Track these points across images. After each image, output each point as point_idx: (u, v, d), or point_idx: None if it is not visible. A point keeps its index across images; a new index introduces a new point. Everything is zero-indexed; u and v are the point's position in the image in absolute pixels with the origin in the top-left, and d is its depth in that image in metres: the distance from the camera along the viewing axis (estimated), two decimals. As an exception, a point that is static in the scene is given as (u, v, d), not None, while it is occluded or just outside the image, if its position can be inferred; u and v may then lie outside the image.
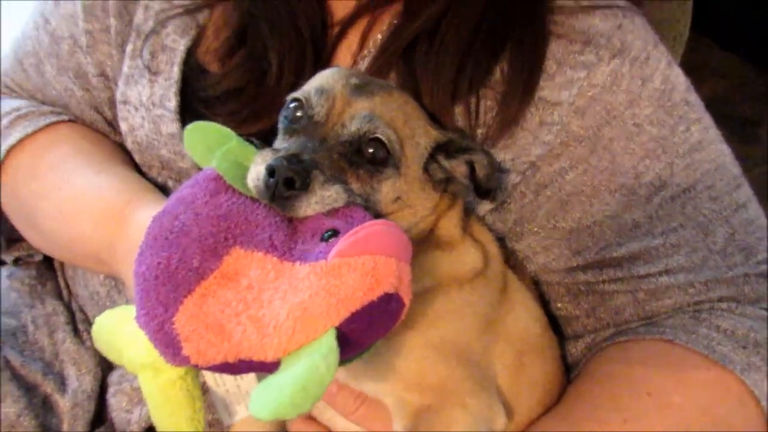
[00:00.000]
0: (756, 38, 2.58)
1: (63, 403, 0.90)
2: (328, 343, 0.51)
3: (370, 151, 0.67)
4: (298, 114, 0.69)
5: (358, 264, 0.53)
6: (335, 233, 0.58)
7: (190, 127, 0.70)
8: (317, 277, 0.54)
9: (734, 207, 0.83)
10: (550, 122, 0.81)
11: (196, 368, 0.59)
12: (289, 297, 0.53)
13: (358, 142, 0.67)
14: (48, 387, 0.91)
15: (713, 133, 0.85)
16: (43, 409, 0.90)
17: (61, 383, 0.92)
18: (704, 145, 0.83)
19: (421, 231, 0.73)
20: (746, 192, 0.85)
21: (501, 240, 0.84)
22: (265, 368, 0.54)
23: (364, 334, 0.54)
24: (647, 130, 0.81)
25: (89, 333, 0.97)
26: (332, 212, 0.62)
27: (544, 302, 0.88)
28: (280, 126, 0.72)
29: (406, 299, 0.56)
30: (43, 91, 1.00)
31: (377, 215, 0.67)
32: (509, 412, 0.73)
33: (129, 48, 0.92)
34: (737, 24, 2.60)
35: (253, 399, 0.50)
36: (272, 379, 0.51)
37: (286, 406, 0.48)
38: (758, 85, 2.58)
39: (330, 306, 0.52)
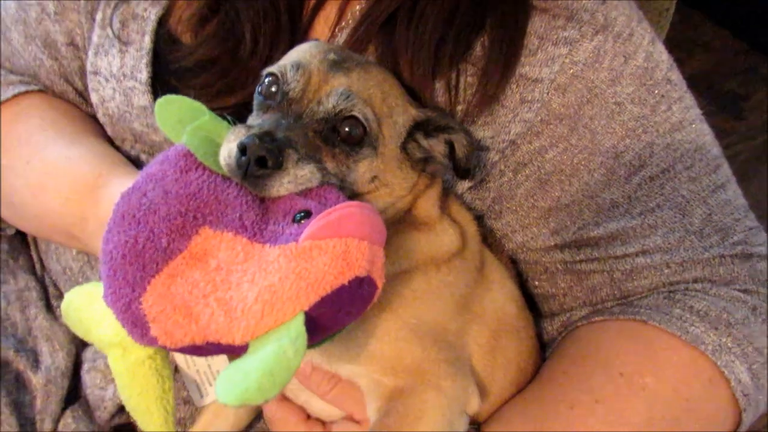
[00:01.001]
0: (745, 13, 2.57)
1: (36, 380, 0.89)
2: (296, 328, 0.50)
3: (347, 129, 0.66)
4: (273, 89, 0.68)
5: (329, 247, 0.52)
6: (308, 214, 0.57)
7: (161, 100, 0.68)
8: (287, 259, 0.52)
9: (712, 188, 0.83)
10: (531, 99, 0.80)
11: (165, 349, 0.59)
12: (258, 280, 0.52)
13: (334, 120, 0.65)
14: (20, 364, 0.89)
15: (694, 112, 0.84)
16: (15, 385, 0.88)
17: (34, 360, 0.91)
18: (684, 125, 0.83)
19: (398, 211, 0.72)
20: (725, 172, 0.85)
21: (479, 218, 0.83)
22: (233, 351, 0.54)
23: (334, 317, 0.53)
24: (628, 108, 0.80)
25: (62, 309, 0.96)
26: (306, 192, 0.61)
27: (521, 280, 0.88)
28: (255, 102, 0.70)
29: (379, 282, 0.55)
30: (11, 60, 0.97)
31: (353, 195, 0.66)
32: (483, 393, 0.73)
33: (98, 16, 0.88)
34: (728, -1, 2.59)
35: (219, 384, 0.49)
36: (239, 364, 0.51)
37: (253, 392, 0.47)
38: (746, 60, 2.58)
39: (299, 290, 0.51)
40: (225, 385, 0.48)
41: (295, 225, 0.56)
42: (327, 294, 0.52)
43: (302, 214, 0.57)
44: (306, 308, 0.51)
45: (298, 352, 0.49)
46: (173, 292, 0.54)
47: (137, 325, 0.56)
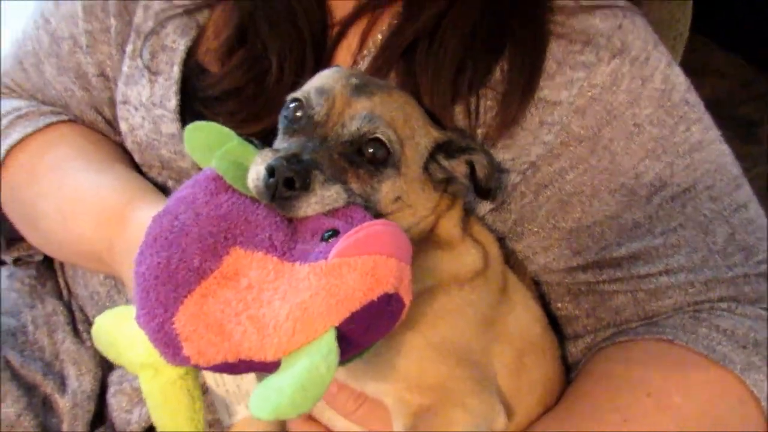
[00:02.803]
0: (756, 38, 2.58)
1: (63, 403, 0.90)
2: (328, 344, 0.51)
3: (370, 151, 0.67)
4: (298, 114, 0.69)
5: (357, 264, 0.53)
6: (335, 233, 0.58)
7: (190, 127, 0.70)
8: (317, 277, 0.53)
9: (734, 207, 0.83)
10: (550, 122, 0.81)
11: (197, 368, 0.59)
12: (289, 297, 0.53)
13: (359, 142, 0.67)
14: (48, 387, 0.91)
15: (713, 133, 0.85)
16: (42, 409, 0.89)
17: (61, 383, 0.92)
18: (704, 145, 0.83)
19: (421, 231, 0.73)
20: (746, 192, 0.85)
21: (501, 240, 0.84)
22: (265, 368, 0.54)
23: (363, 334, 0.54)
24: (647, 130, 0.81)
25: (89, 333, 0.97)
26: (332, 212, 0.62)
27: (544, 302, 0.88)
28: (280, 126, 0.72)
29: (407, 299, 0.56)
30: (43, 91, 1.00)
31: (377, 215, 0.67)
32: (509, 412, 0.73)
33: (129, 48, 0.92)
34: (738, 24, 2.60)
35: (253, 399, 0.49)
36: (272, 380, 0.51)
37: (286, 407, 0.48)
38: (759, 86, 2.58)
39: (330, 306, 0.52)
40: (259, 400, 0.49)
41: (324, 243, 0.57)
42: (357, 310, 0.52)
43: (330, 232, 0.58)
44: (336, 324, 0.52)
45: (330, 367, 0.49)
46: (206, 312, 0.55)
47: (170, 345, 0.56)
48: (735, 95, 2.49)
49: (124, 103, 0.92)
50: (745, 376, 0.74)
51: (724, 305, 0.80)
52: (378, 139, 0.67)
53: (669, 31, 1.14)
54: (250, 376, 0.71)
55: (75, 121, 0.98)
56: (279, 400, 0.48)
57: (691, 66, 0.93)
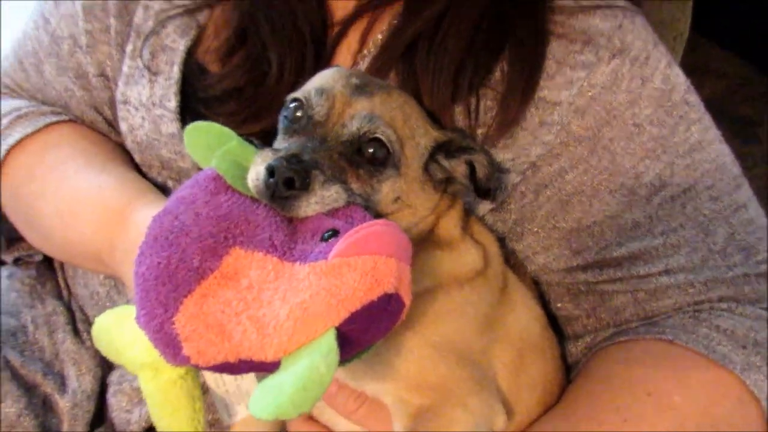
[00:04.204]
0: (756, 38, 2.58)
1: (63, 403, 0.90)
2: (328, 343, 0.51)
3: (370, 151, 0.67)
4: (298, 114, 0.69)
5: (358, 264, 0.53)
6: (335, 233, 0.58)
7: (190, 127, 0.70)
8: (317, 277, 0.53)
9: (734, 207, 0.83)
10: (550, 122, 0.81)
11: (197, 368, 0.59)
12: (289, 297, 0.53)
13: (359, 142, 0.67)
14: (48, 387, 0.91)
15: (713, 133, 0.85)
16: (42, 409, 0.90)
17: (61, 383, 0.92)
18: (704, 145, 0.83)
19: (421, 231, 0.73)
20: (746, 192, 0.85)
21: (501, 240, 0.84)
22: (265, 368, 0.54)
23: (363, 334, 0.54)
24: (647, 130, 0.81)
25: (89, 333, 0.97)
26: (332, 212, 0.62)
27: (544, 302, 0.88)
28: (280, 126, 0.72)
29: (407, 299, 0.56)
30: (43, 91, 1.00)
31: (377, 215, 0.67)
32: (509, 412, 0.73)
33: (129, 48, 0.91)
34: (737, 24, 2.60)
35: (253, 399, 0.49)
36: (272, 379, 0.51)
37: (287, 406, 0.48)
38: (758, 85, 2.58)
39: (330, 306, 0.52)
40: (259, 400, 0.49)
41: (324, 243, 0.57)
42: (357, 310, 0.52)
43: (330, 232, 0.58)
44: (337, 324, 0.52)
45: (330, 367, 0.49)
46: (206, 312, 0.55)
47: (170, 345, 0.56)
48: (734, 95, 2.49)
49: (124, 103, 0.91)
50: (744, 376, 0.74)
51: (724, 305, 0.80)
52: (378, 139, 0.67)
53: (669, 31, 1.14)
54: (250, 376, 0.71)
55: (75, 121, 0.98)
56: (279, 399, 0.48)
57: (691, 66, 0.93)
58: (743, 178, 0.85)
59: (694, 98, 0.85)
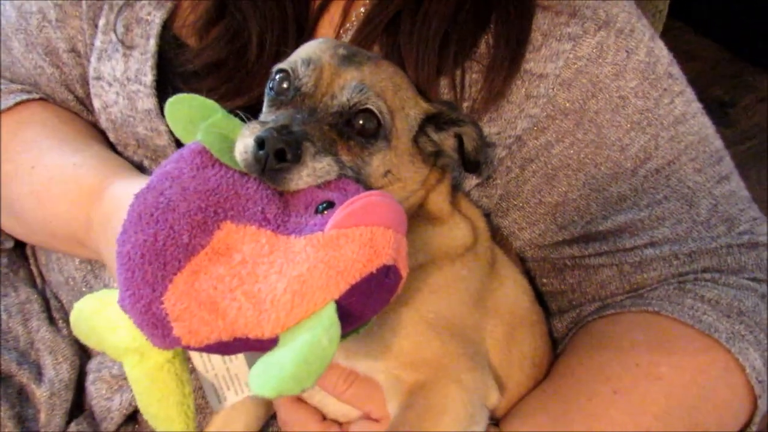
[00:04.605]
0: (729, 22, 2.63)
1: (39, 393, 0.87)
2: (329, 317, 0.49)
3: (361, 122, 0.65)
4: (284, 85, 0.67)
5: (356, 235, 0.52)
6: (330, 205, 0.56)
7: (172, 99, 0.67)
8: (314, 249, 0.52)
9: (717, 178, 0.84)
10: (536, 95, 0.80)
11: (188, 349, 0.57)
12: (286, 270, 0.52)
13: (349, 113, 0.65)
14: (23, 377, 0.88)
15: (695, 106, 0.86)
16: (18, 399, 0.86)
17: (38, 373, 0.89)
18: (687, 118, 0.84)
19: (412, 205, 0.72)
20: (728, 164, 0.86)
21: (486, 216, 0.83)
22: (261, 346, 0.53)
23: (363, 306, 0.52)
24: (632, 102, 0.81)
25: (65, 321, 0.94)
26: (324, 185, 0.60)
27: (529, 278, 0.88)
28: (266, 98, 0.70)
29: (404, 271, 0.55)
30: (11, 69, 0.96)
31: (367, 189, 0.66)
32: (501, 387, 0.72)
33: (101, 22, 0.88)
34: (711, 8, 2.65)
35: (254, 377, 0.48)
36: (272, 356, 0.50)
37: (289, 382, 0.46)
38: (731, 68, 2.64)
39: (329, 278, 0.50)
40: (260, 377, 0.47)
41: (319, 216, 0.56)
42: (356, 282, 0.51)
43: (325, 204, 0.56)
44: (336, 297, 0.51)
45: (332, 340, 0.48)
46: (197, 289, 0.53)
47: (158, 326, 0.54)
48: (707, 77, 2.54)
49: (98, 79, 0.88)
50: (730, 344, 0.75)
51: (708, 276, 0.81)
52: (369, 110, 0.65)
53: (648, 7, 1.14)
54: (240, 359, 0.69)
55: (46, 99, 0.94)
56: (281, 375, 0.46)
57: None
58: (725, 151, 0.86)
59: (676, 71, 0.85)
